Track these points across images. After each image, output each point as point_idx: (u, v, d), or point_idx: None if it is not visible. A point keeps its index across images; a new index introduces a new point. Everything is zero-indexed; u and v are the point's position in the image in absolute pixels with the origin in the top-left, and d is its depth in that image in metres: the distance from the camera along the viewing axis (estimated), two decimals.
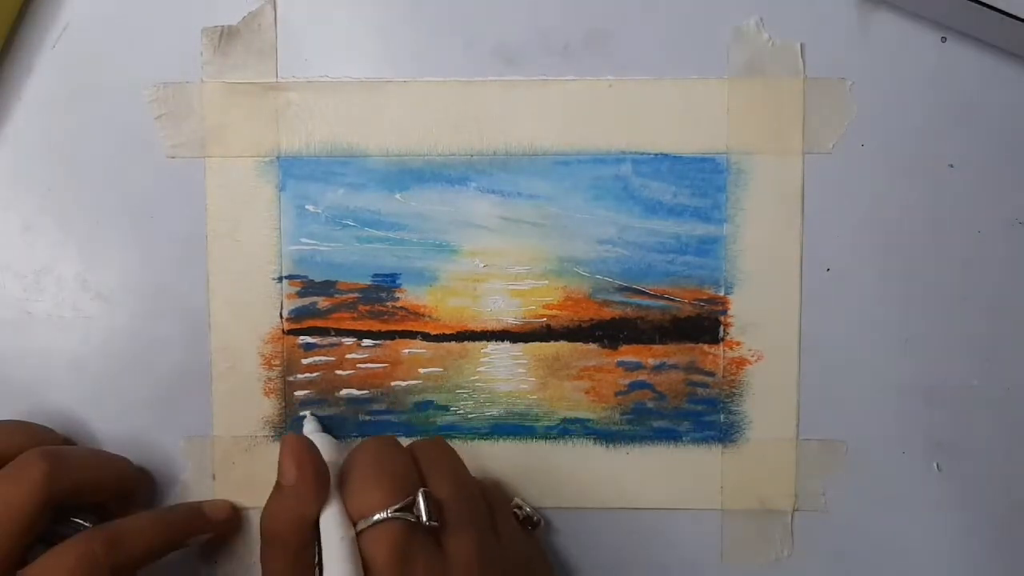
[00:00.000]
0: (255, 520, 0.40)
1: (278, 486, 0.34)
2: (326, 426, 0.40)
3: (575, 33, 0.39)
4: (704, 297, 0.39)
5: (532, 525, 0.39)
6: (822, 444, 0.40)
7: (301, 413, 0.40)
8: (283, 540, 0.33)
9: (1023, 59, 0.38)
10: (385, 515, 0.33)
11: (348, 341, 0.40)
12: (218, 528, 0.39)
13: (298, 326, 0.40)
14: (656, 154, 0.39)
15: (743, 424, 0.40)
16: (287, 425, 0.40)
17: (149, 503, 0.40)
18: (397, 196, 0.39)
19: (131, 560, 0.35)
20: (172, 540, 0.37)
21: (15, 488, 0.34)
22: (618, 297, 0.39)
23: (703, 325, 0.40)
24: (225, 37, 0.39)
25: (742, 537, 0.40)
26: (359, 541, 0.33)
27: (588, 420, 0.40)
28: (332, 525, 0.33)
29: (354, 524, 0.33)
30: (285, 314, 0.40)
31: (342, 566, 0.32)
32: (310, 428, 0.39)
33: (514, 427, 0.40)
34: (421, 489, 0.33)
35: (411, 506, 0.33)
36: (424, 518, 0.33)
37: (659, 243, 0.39)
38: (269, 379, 0.40)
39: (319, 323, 0.40)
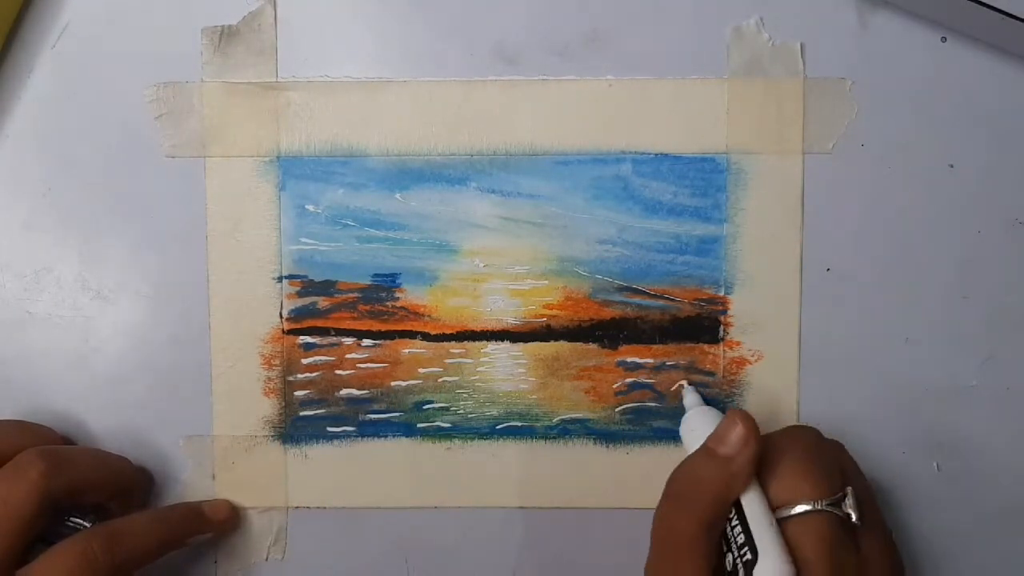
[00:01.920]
0: (255, 520, 0.40)
1: (710, 452, 0.33)
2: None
3: (575, 33, 0.39)
4: (704, 297, 0.39)
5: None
6: None
7: (680, 382, 0.39)
8: (700, 505, 0.33)
9: (1023, 59, 0.38)
10: (814, 507, 0.32)
11: (348, 341, 0.40)
12: (218, 528, 0.39)
13: (298, 326, 0.40)
14: (656, 154, 0.39)
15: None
16: (287, 425, 0.40)
17: (149, 503, 0.40)
18: (397, 196, 0.39)
19: (130, 560, 0.35)
20: (172, 540, 0.37)
21: (14, 487, 0.34)
22: (618, 297, 0.39)
23: (703, 325, 0.40)
24: (225, 37, 0.39)
25: None
26: (783, 527, 0.32)
27: (588, 420, 0.40)
28: (760, 507, 0.32)
29: (773, 509, 0.33)
30: (285, 314, 0.40)
31: (778, 551, 0.31)
32: (692, 400, 0.38)
33: (514, 427, 0.40)
34: (850, 487, 0.33)
35: (839, 502, 0.33)
36: (854, 516, 0.32)
37: (659, 243, 0.39)
38: (269, 379, 0.40)
39: (319, 323, 0.40)
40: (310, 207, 0.39)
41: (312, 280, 0.40)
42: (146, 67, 0.39)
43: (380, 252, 0.40)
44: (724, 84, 0.39)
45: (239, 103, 0.39)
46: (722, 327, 0.39)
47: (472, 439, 0.40)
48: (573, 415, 0.40)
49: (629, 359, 0.40)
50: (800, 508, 0.32)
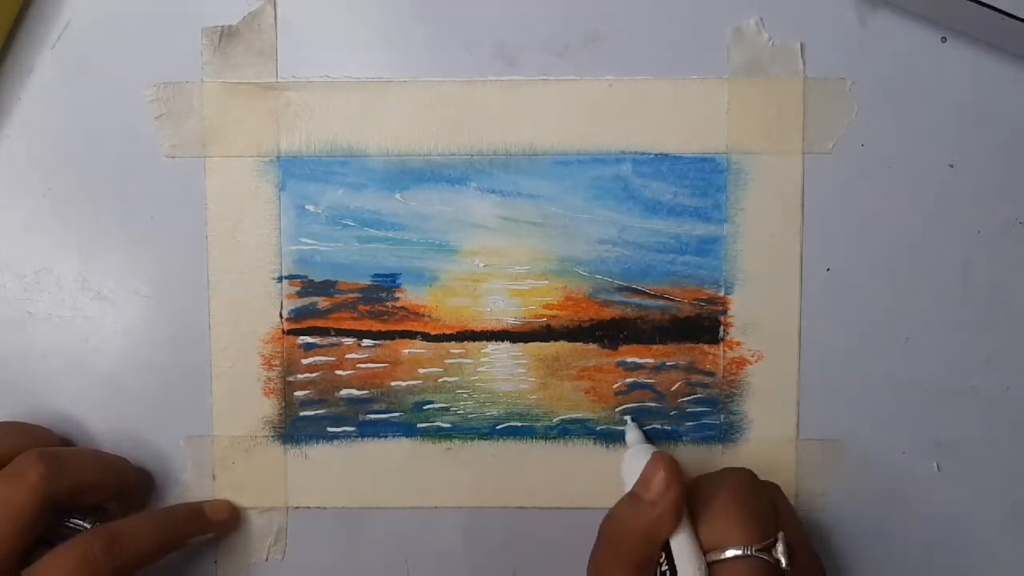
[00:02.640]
0: (255, 520, 0.40)
1: (635, 497, 0.34)
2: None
3: (575, 33, 0.39)
4: (704, 297, 0.39)
5: None
6: (822, 444, 0.40)
7: (623, 416, 0.40)
8: (629, 550, 0.33)
9: (1023, 59, 0.38)
10: (743, 552, 0.32)
11: (348, 341, 0.40)
12: (218, 529, 0.39)
13: (298, 326, 0.40)
14: (656, 154, 0.39)
15: (743, 424, 0.40)
16: (287, 425, 0.40)
17: (149, 503, 0.40)
18: (397, 196, 0.39)
19: (131, 561, 0.35)
20: (172, 541, 0.37)
21: (13, 490, 0.34)
22: (618, 297, 0.39)
23: (703, 325, 0.40)
24: (225, 37, 0.39)
25: None
26: (713, 571, 0.32)
27: (588, 420, 0.40)
28: (688, 551, 0.33)
29: (704, 552, 0.33)
30: (285, 314, 0.40)
31: None
32: (634, 437, 0.38)
33: (514, 427, 0.40)
34: (781, 532, 0.33)
35: (770, 547, 0.33)
36: (784, 562, 0.32)
37: (659, 243, 0.39)
38: (269, 379, 0.40)
39: (319, 323, 0.40)
40: (310, 207, 0.39)
41: (312, 280, 0.40)
42: (146, 67, 0.39)
43: (380, 252, 0.40)
44: (724, 84, 0.39)
45: (239, 103, 0.39)
46: (722, 327, 0.39)
47: (472, 439, 0.40)
48: (573, 415, 0.40)
49: (629, 359, 0.40)
50: (730, 553, 0.32)
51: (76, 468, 0.36)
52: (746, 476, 0.36)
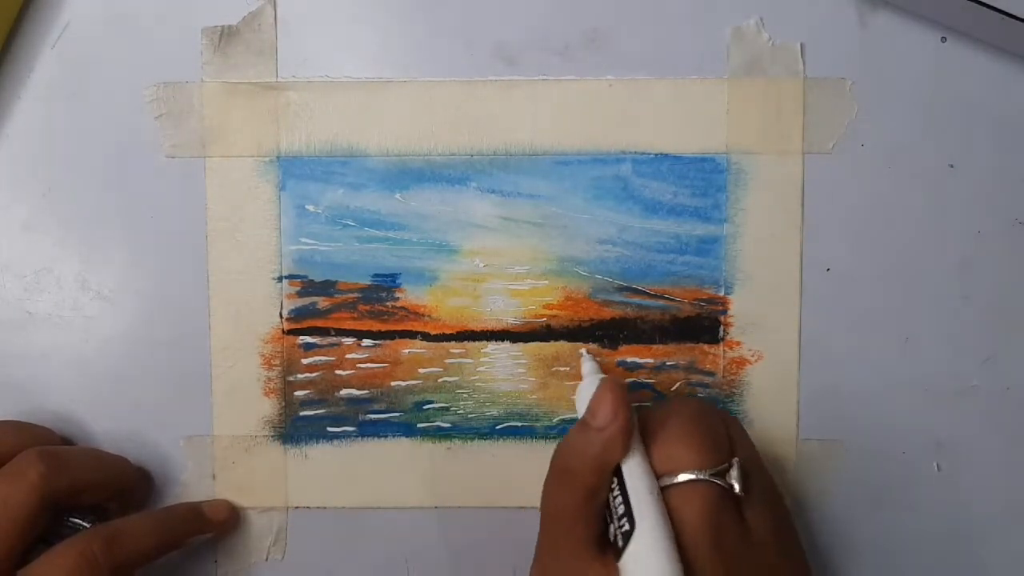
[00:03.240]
0: (255, 520, 0.40)
1: (585, 424, 0.33)
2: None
3: (575, 33, 0.39)
4: (704, 297, 0.39)
5: None
6: (822, 444, 0.40)
7: (580, 351, 0.39)
8: (580, 477, 0.32)
9: (1023, 59, 0.38)
10: (696, 476, 0.32)
11: (348, 341, 0.40)
12: (218, 528, 0.39)
13: (298, 326, 0.40)
14: (656, 154, 0.39)
15: (743, 424, 0.40)
16: (287, 425, 0.40)
17: (149, 503, 0.40)
18: (397, 196, 0.39)
19: (130, 560, 0.35)
20: (171, 541, 0.37)
21: (13, 489, 0.34)
22: (618, 297, 0.39)
23: (703, 325, 0.40)
24: (225, 37, 0.39)
25: None
26: (665, 496, 0.32)
27: None
28: (640, 475, 0.32)
29: (657, 478, 0.32)
30: (285, 314, 0.40)
31: (656, 519, 0.31)
32: (587, 368, 0.38)
33: (514, 427, 0.40)
34: (736, 458, 0.33)
35: (724, 473, 0.32)
36: (738, 487, 0.32)
37: (659, 243, 0.39)
38: (269, 379, 0.40)
39: (319, 323, 0.40)
40: (310, 207, 0.39)
41: (312, 280, 0.40)
42: (146, 67, 0.39)
43: (380, 252, 0.40)
44: (724, 84, 0.39)
45: (239, 103, 0.39)
46: (722, 327, 0.39)
47: (472, 439, 0.40)
48: (573, 415, 0.40)
49: (629, 359, 0.40)
50: (683, 477, 0.32)
51: (76, 467, 0.36)
52: (697, 403, 0.35)
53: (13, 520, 0.33)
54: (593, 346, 0.39)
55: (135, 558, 0.35)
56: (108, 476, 0.37)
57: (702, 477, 0.32)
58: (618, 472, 0.32)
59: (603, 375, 0.37)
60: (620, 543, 0.31)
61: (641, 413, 0.34)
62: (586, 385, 0.37)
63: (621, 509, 0.32)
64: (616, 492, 0.32)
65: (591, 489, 0.32)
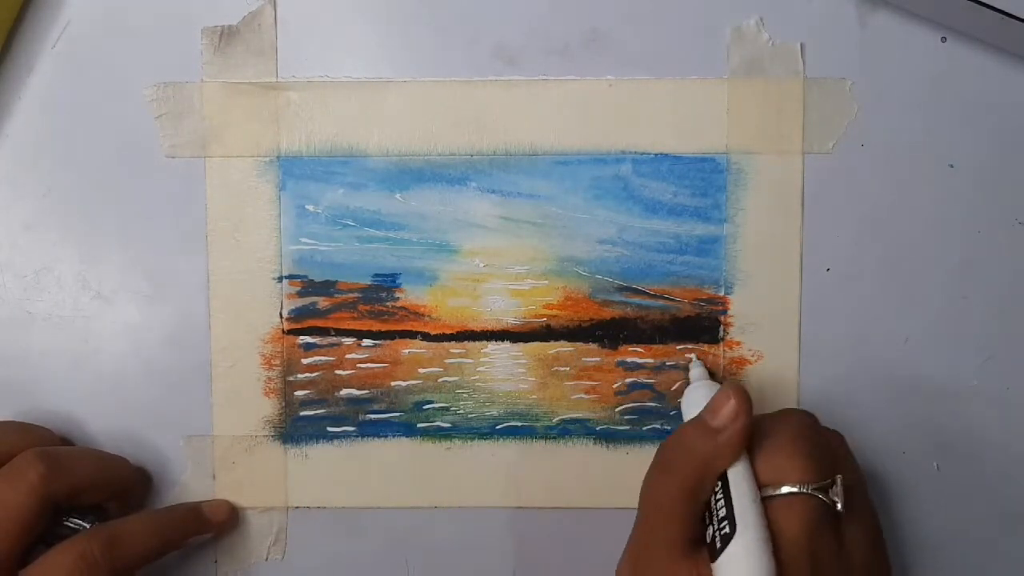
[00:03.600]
0: (255, 520, 0.40)
1: (702, 423, 0.33)
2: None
3: (575, 33, 0.39)
4: (704, 297, 0.39)
5: None
6: None
7: (688, 356, 0.39)
8: (685, 475, 0.33)
9: (1023, 59, 0.38)
10: (800, 489, 0.32)
11: (348, 341, 0.40)
12: (217, 529, 0.39)
13: (298, 326, 0.40)
14: (656, 154, 0.39)
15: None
16: (287, 425, 0.40)
17: (149, 503, 0.40)
18: (397, 196, 0.39)
19: (130, 561, 0.35)
20: (171, 541, 0.37)
21: (12, 489, 0.34)
22: (618, 297, 0.39)
23: (703, 325, 0.40)
24: (225, 37, 0.39)
25: None
26: (767, 507, 0.32)
27: (588, 420, 0.40)
28: (745, 483, 0.32)
29: (760, 487, 0.32)
30: (285, 314, 0.40)
31: (757, 529, 0.31)
32: (697, 374, 0.38)
33: (514, 427, 0.40)
34: (839, 475, 0.33)
35: (827, 488, 0.32)
36: (839, 503, 0.32)
37: (659, 243, 0.39)
38: (269, 379, 0.40)
39: (319, 323, 0.40)
40: (310, 207, 0.39)
41: (312, 280, 0.40)
42: (146, 67, 0.39)
43: (380, 252, 0.40)
44: (724, 84, 0.39)
45: (239, 103, 0.39)
46: (722, 327, 0.39)
47: (472, 439, 0.40)
48: (573, 415, 0.40)
49: (629, 359, 0.40)
50: (786, 489, 0.32)
51: (75, 468, 0.36)
52: (809, 418, 0.35)
53: (12, 521, 0.33)
54: (697, 360, 0.39)
55: (134, 559, 0.35)
56: (108, 476, 0.37)
57: (805, 491, 0.32)
58: (723, 476, 0.33)
59: (711, 380, 0.38)
60: (718, 544, 0.31)
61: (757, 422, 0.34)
62: (695, 388, 0.37)
63: (723, 512, 0.32)
64: (719, 495, 0.33)
65: (695, 487, 0.33)
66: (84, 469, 0.36)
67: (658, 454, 0.34)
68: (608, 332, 0.40)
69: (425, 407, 0.40)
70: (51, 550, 0.34)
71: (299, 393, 0.40)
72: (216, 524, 0.39)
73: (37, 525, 0.34)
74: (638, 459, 0.40)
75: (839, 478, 0.33)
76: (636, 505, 0.40)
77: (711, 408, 0.33)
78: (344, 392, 0.40)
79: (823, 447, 0.34)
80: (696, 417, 0.34)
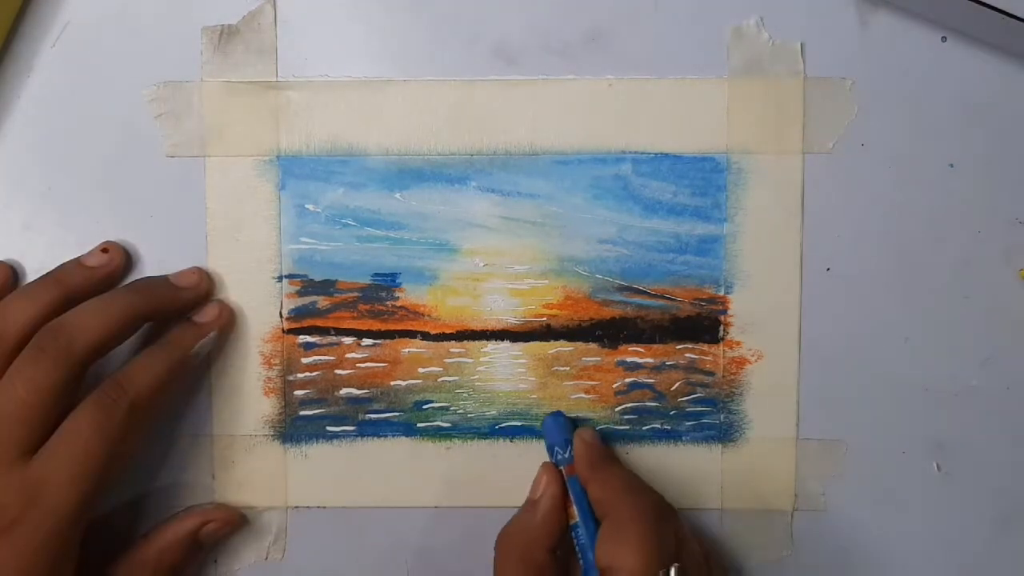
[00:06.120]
0: (255, 520, 0.40)
1: (527, 500, 0.38)
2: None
3: (575, 33, 0.39)
4: (704, 297, 0.39)
5: None
6: (822, 444, 0.40)
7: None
8: (522, 548, 0.36)
9: (1023, 59, 0.38)
10: None
11: (348, 340, 0.40)
12: (190, 296, 0.38)
13: (298, 325, 0.40)
14: (656, 154, 0.39)
15: (743, 424, 0.40)
16: (287, 424, 0.40)
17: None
18: (397, 195, 0.39)
19: (143, 391, 0.35)
20: (177, 367, 0.37)
21: (42, 371, 0.34)
22: (618, 297, 0.39)
23: (703, 325, 0.40)
24: (225, 36, 0.39)
25: (742, 536, 0.40)
26: None
27: (588, 420, 0.40)
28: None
29: (599, 571, 0.34)
30: (285, 313, 0.40)
31: None
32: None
33: (514, 427, 0.40)
34: (676, 565, 0.33)
35: None
36: None
37: (659, 243, 0.39)
38: (269, 378, 0.40)
39: (319, 322, 0.40)
40: (310, 207, 0.39)
41: (312, 280, 0.40)
42: (146, 67, 0.39)
43: (380, 252, 0.40)
44: (724, 84, 0.39)
45: (239, 103, 0.39)
46: (722, 327, 0.39)
47: (472, 439, 0.40)
48: (573, 415, 0.40)
49: (629, 359, 0.40)
50: None
51: (90, 325, 0.35)
52: (653, 502, 0.35)
53: (48, 405, 0.34)
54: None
55: (148, 391, 0.35)
56: (120, 322, 0.36)
57: None
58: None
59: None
60: None
61: (603, 494, 0.36)
62: None
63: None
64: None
65: (527, 556, 0.36)
66: (96, 322, 0.35)
67: (498, 542, 0.37)
68: (608, 332, 0.40)
69: (425, 407, 0.40)
70: (69, 416, 0.34)
71: (299, 392, 0.40)
72: (187, 289, 0.38)
73: (72, 392, 0.35)
74: (638, 459, 0.40)
75: (675, 568, 0.33)
76: None
77: (532, 485, 0.38)
78: (344, 392, 0.40)
79: (665, 535, 0.34)
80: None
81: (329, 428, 0.40)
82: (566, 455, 0.38)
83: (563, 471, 0.38)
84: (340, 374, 0.40)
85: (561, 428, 0.38)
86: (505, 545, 0.37)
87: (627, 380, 0.40)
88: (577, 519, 0.37)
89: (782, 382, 0.40)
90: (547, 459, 0.39)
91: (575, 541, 0.37)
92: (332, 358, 0.40)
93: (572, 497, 0.37)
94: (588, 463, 0.37)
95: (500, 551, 0.37)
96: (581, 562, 0.36)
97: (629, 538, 0.33)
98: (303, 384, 0.40)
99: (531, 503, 0.37)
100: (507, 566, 0.36)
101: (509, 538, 0.37)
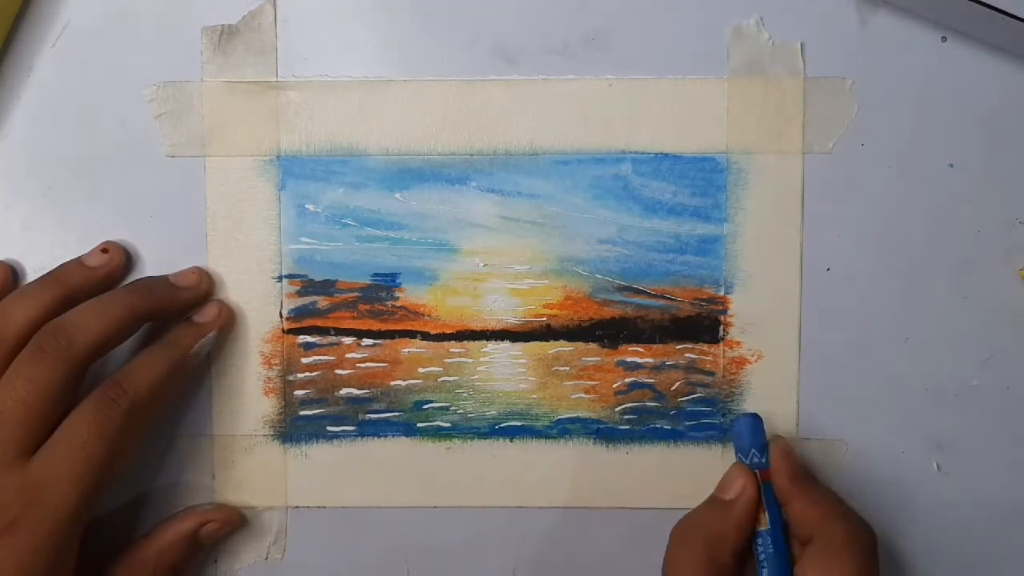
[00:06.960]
0: (255, 520, 0.40)
1: (715, 498, 0.37)
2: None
3: (575, 33, 0.39)
4: (704, 297, 0.39)
5: None
6: (822, 444, 0.40)
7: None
8: (703, 546, 0.35)
9: (1023, 59, 0.38)
10: None
11: (348, 340, 0.40)
12: (190, 296, 0.38)
13: (298, 325, 0.40)
14: (656, 154, 0.39)
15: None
16: (287, 424, 0.40)
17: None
18: (397, 195, 0.39)
19: (143, 390, 0.35)
20: (177, 366, 0.37)
21: (47, 369, 0.34)
22: (618, 297, 0.39)
23: (703, 325, 0.40)
24: (225, 36, 0.39)
25: None
26: None
27: (588, 420, 0.40)
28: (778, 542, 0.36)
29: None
30: (285, 313, 0.40)
31: None
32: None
33: (514, 427, 0.40)
34: None
35: None
36: None
37: (659, 243, 0.39)
38: (269, 378, 0.40)
39: (319, 322, 0.40)
40: (310, 206, 0.39)
41: (312, 279, 0.40)
42: (146, 67, 0.39)
43: (380, 252, 0.40)
44: (724, 84, 0.39)
45: (239, 102, 0.39)
46: (722, 327, 0.39)
47: (472, 439, 0.40)
48: (573, 415, 0.40)
49: (629, 359, 0.40)
50: None
51: (90, 324, 0.35)
52: (872, 536, 0.35)
53: (50, 403, 0.34)
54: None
55: (148, 389, 0.35)
56: (120, 321, 0.36)
57: None
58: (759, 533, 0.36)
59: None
60: None
61: (812, 513, 0.36)
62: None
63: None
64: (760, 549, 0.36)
65: (714, 557, 0.35)
66: (96, 322, 0.35)
67: (675, 530, 0.36)
68: (608, 332, 0.40)
69: (425, 407, 0.40)
70: (69, 416, 0.34)
71: (299, 392, 0.40)
72: (187, 289, 0.38)
73: (72, 392, 0.35)
74: (638, 459, 0.40)
75: None
76: (636, 505, 0.40)
77: (722, 484, 0.37)
78: (344, 391, 0.40)
79: (875, 571, 0.34)
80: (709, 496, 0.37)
81: (329, 428, 0.40)
82: (763, 460, 0.37)
83: (757, 475, 0.36)
84: (340, 374, 0.40)
85: (758, 431, 0.37)
86: (689, 540, 0.36)
87: (627, 380, 0.40)
88: (767, 527, 0.36)
89: (782, 382, 0.40)
90: (735, 460, 0.38)
91: (756, 548, 0.36)
92: (332, 358, 0.40)
93: (765, 504, 0.36)
94: (790, 476, 0.36)
95: (682, 544, 0.36)
96: (762, 571, 0.35)
97: (844, 567, 0.33)
98: (303, 384, 0.40)
99: (722, 502, 0.36)
100: (689, 561, 0.35)
101: (695, 533, 0.36)
